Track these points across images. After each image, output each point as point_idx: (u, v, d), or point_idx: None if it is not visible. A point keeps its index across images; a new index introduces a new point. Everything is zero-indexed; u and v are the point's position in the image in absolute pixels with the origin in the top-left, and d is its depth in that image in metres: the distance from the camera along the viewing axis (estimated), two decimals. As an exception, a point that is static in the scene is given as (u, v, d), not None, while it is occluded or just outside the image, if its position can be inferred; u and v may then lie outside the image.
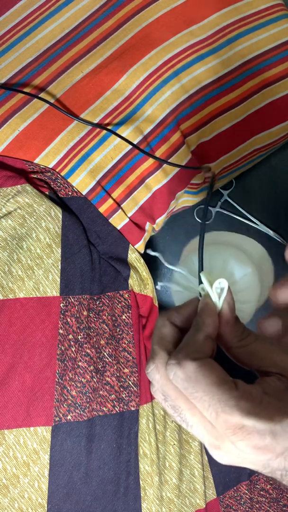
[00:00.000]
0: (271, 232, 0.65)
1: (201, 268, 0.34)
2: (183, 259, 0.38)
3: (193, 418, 0.26)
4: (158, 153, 0.54)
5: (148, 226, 0.57)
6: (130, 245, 0.55)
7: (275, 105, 0.56)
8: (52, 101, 0.53)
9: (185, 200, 0.63)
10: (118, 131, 0.53)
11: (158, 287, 0.43)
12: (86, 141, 0.53)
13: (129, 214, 0.55)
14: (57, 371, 0.49)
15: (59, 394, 0.49)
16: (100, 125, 0.53)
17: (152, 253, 0.38)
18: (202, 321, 0.30)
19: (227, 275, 0.36)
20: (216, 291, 0.32)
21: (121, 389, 0.52)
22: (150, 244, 0.69)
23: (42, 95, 0.53)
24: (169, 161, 0.54)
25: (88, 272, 0.52)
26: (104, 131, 0.53)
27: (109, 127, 0.53)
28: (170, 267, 0.37)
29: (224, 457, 0.26)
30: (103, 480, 0.50)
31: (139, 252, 0.57)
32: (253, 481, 0.56)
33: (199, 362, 0.26)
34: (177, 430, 0.55)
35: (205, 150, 0.56)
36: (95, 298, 0.53)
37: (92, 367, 0.51)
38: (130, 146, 0.53)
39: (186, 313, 0.32)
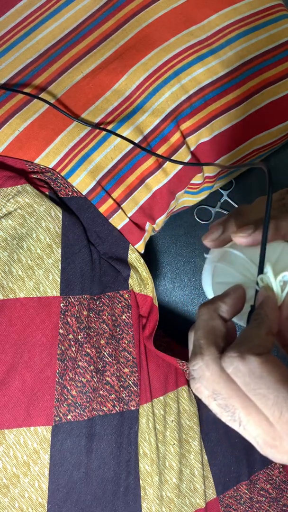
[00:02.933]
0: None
1: (263, 257, 0.29)
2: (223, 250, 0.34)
3: (249, 417, 0.25)
4: (158, 153, 0.54)
5: (148, 226, 0.57)
6: (130, 245, 0.55)
7: (275, 106, 0.56)
8: (52, 101, 0.53)
9: (185, 200, 0.63)
10: (118, 131, 0.53)
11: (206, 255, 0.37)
12: (86, 141, 0.53)
13: (129, 214, 0.55)
14: (57, 371, 0.49)
15: (59, 393, 0.49)
16: (99, 127, 0.53)
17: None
18: (266, 314, 0.28)
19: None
20: (279, 284, 0.29)
21: (121, 389, 0.52)
22: (150, 244, 0.69)
23: (42, 95, 0.54)
24: (167, 163, 0.54)
25: (88, 272, 0.52)
26: (104, 131, 0.53)
27: (109, 127, 0.53)
28: (230, 250, 0.32)
29: (283, 457, 0.25)
30: (103, 480, 0.50)
31: (139, 252, 0.57)
32: (253, 481, 0.56)
33: (264, 357, 0.25)
34: (177, 430, 0.55)
35: (205, 150, 0.56)
36: (95, 298, 0.53)
37: (92, 367, 0.51)
38: (130, 146, 0.53)
39: (233, 303, 0.29)
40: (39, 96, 0.53)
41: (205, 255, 0.36)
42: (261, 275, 0.29)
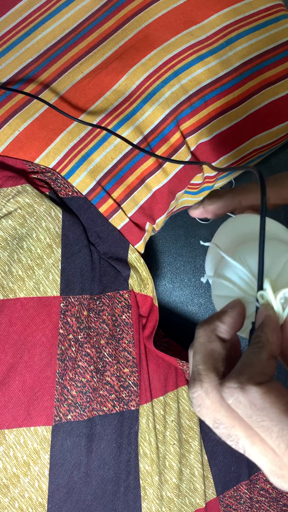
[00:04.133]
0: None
1: (261, 272, 0.27)
2: (228, 254, 0.31)
3: (253, 447, 0.24)
4: (158, 153, 0.54)
5: (148, 226, 0.57)
6: (130, 245, 0.55)
7: (275, 106, 0.56)
8: (52, 101, 0.53)
9: (185, 200, 0.63)
10: (118, 131, 0.53)
11: (203, 280, 0.35)
12: (86, 141, 0.53)
13: (129, 214, 0.55)
14: (57, 371, 0.49)
15: (59, 393, 0.49)
16: (100, 126, 0.53)
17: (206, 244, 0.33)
18: (267, 338, 0.26)
19: None
20: (280, 302, 0.27)
21: (121, 389, 0.52)
22: (150, 244, 0.69)
23: (42, 95, 0.54)
24: (167, 163, 0.54)
25: (88, 272, 0.52)
26: (105, 131, 0.53)
27: (109, 127, 0.53)
28: (228, 258, 0.29)
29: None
30: (103, 480, 0.50)
31: (139, 252, 0.57)
32: (253, 481, 0.56)
33: (266, 387, 0.23)
34: (177, 430, 0.55)
35: (205, 150, 0.56)
36: (95, 298, 0.53)
37: (92, 367, 0.51)
38: (130, 146, 0.53)
39: (232, 322, 0.27)
40: (39, 96, 0.53)
41: (201, 243, 0.34)
42: (261, 291, 0.27)
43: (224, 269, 0.30)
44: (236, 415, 0.24)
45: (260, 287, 0.27)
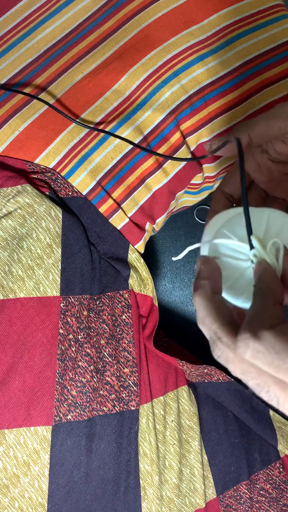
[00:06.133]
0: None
1: (249, 231, 0.28)
2: (215, 234, 0.32)
3: (285, 393, 0.23)
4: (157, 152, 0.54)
5: (148, 226, 0.57)
6: (130, 245, 0.55)
7: (275, 106, 0.56)
8: (52, 101, 0.53)
9: (185, 200, 0.63)
10: (118, 132, 0.53)
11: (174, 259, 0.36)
12: (86, 141, 0.53)
13: (129, 214, 0.55)
14: (57, 371, 0.49)
15: (59, 393, 0.49)
16: (97, 128, 0.53)
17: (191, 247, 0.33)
18: (267, 285, 0.26)
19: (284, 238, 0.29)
20: (271, 252, 0.28)
21: (121, 389, 0.52)
22: (150, 244, 0.69)
23: (42, 95, 0.54)
24: (167, 163, 0.54)
25: (88, 272, 0.52)
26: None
27: (109, 127, 0.53)
28: (216, 241, 0.31)
29: None
30: (103, 480, 0.50)
31: (139, 252, 0.57)
32: (253, 481, 0.56)
33: (279, 328, 0.23)
34: (177, 430, 0.55)
35: (205, 150, 0.56)
36: (95, 298, 0.53)
37: (92, 367, 0.51)
38: (130, 147, 0.53)
39: (210, 274, 0.28)
40: (39, 96, 0.53)
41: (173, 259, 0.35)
42: (252, 250, 0.28)
43: (215, 252, 0.31)
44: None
45: (251, 247, 0.28)
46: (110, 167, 0.53)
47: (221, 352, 0.25)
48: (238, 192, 0.38)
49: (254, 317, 0.24)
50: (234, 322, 0.25)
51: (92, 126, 0.52)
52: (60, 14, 0.56)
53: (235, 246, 0.30)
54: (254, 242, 0.28)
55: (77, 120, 0.53)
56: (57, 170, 0.53)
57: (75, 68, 0.55)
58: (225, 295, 0.30)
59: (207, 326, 0.26)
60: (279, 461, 0.57)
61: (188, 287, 0.70)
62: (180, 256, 0.33)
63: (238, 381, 0.58)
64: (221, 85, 0.54)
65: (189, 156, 0.55)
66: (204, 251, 0.33)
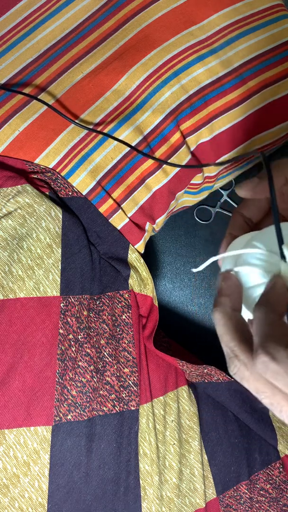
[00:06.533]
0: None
1: (281, 240, 0.26)
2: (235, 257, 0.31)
3: None
4: (158, 154, 0.54)
5: (148, 226, 0.57)
6: (130, 245, 0.55)
7: (275, 106, 0.56)
8: (52, 101, 0.53)
9: (185, 200, 0.63)
10: (118, 132, 0.53)
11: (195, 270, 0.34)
12: (86, 141, 0.53)
13: (129, 214, 0.55)
14: (57, 371, 0.49)
15: (59, 393, 0.49)
16: (96, 130, 0.53)
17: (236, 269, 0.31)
18: (267, 299, 0.26)
19: None
20: None
21: (121, 389, 0.52)
22: (150, 244, 0.69)
23: (42, 95, 0.54)
24: (169, 161, 0.54)
25: (88, 272, 0.52)
26: (105, 131, 0.53)
27: (109, 127, 0.53)
28: (247, 251, 0.29)
29: None
30: (103, 480, 0.50)
31: (139, 252, 0.57)
32: (253, 481, 0.56)
33: None
34: (177, 430, 0.55)
35: (205, 150, 0.56)
36: (95, 298, 0.53)
37: (92, 367, 0.51)
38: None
39: (231, 292, 0.28)
40: (38, 96, 0.53)
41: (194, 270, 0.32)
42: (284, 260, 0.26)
43: (244, 262, 0.29)
44: (275, 384, 0.24)
45: (282, 256, 0.26)
46: (110, 167, 0.53)
47: (237, 369, 0.25)
48: (258, 216, 0.37)
49: (269, 335, 0.24)
50: (250, 340, 0.26)
51: (90, 127, 0.52)
52: (60, 14, 0.56)
53: (266, 256, 0.28)
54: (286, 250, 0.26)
55: (76, 121, 0.52)
56: (57, 170, 0.53)
57: (75, 68, 0.55)
58: (244, 310, 0.30)
59: (225, 343, 0.27)
60: (279, 461, 0.57)
61: (188, 287, 0.70)
62: (201, 268, 0.31)
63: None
64: (221, 85, 0.54)
65: (189, 156, 0.55)
66: (226, 265, 0.32)
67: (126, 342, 0.54)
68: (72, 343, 0.50)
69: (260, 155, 0.30)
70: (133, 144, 0.53)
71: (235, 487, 0.56)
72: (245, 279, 0.29)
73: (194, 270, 0.32)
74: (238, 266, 0.29)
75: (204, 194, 0.63)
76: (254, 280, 0.29)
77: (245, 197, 0.35)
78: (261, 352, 0.23)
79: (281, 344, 0.23)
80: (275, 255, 0.28)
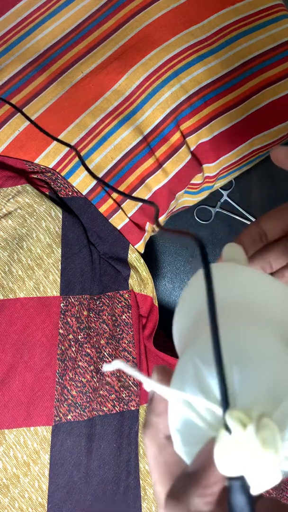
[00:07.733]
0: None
1: (224, 395, 0.16)
2: (180, 357, 0.21)
3: None
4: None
5: (148, 226, 0.57)
6: (130, 245, 0.55)
7: (275, 106, 0.56)
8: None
9: (185, 200, 0.63)
10: (118, 131, 0.53)
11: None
12: (86, 141, 0.53)
13: (129, 214, 0.55)
14: (58, 371, 0.49)
15: (59, 394, 0.49)
16: (76, 149, 0.52)
17: None
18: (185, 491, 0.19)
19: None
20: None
21: (121, 389, 0.52)
22: (150, 244, 0.69)
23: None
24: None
25: (88, 272, 0.52)
26: (105, 131, 0.53)
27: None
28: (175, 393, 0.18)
29: None
30: (103, 480, 0.50)
31: (139, 252, 0.57)
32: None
33: None
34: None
35: (205, 150, 0.56)
36: (95, 298, 0.53)
37: (92, 367, 0.51)
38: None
39: (163, 412, 0.21)
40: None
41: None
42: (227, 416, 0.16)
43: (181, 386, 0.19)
44: None
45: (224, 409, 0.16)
46: (110, 167, 0.53)
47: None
48: (274, 233, 0.31)
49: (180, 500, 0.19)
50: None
51: (72, 144, 0.50)
52: (60, 14, 0.56)
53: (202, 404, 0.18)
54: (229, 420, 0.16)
55: (58, 138, 0.51)
56: (57, 170, 0.53)
57: (75, 68, 0.55)
58: (178, 449, 0.20)
59: (152, 479, 0.21)
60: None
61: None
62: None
63: None
64: (221, 85, 0.54)
65: (189, 156, 0.55)
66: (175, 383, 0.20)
67: (126, 342, 0.54)
68: (72, 343, 0.50)
69: (194, 238, 0.21)
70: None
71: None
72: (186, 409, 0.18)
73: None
74: (181, 392, 0.18)
75: (204, 194, 0.63)
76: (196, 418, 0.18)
77: (279, 164, 0.31)
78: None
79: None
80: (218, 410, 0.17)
